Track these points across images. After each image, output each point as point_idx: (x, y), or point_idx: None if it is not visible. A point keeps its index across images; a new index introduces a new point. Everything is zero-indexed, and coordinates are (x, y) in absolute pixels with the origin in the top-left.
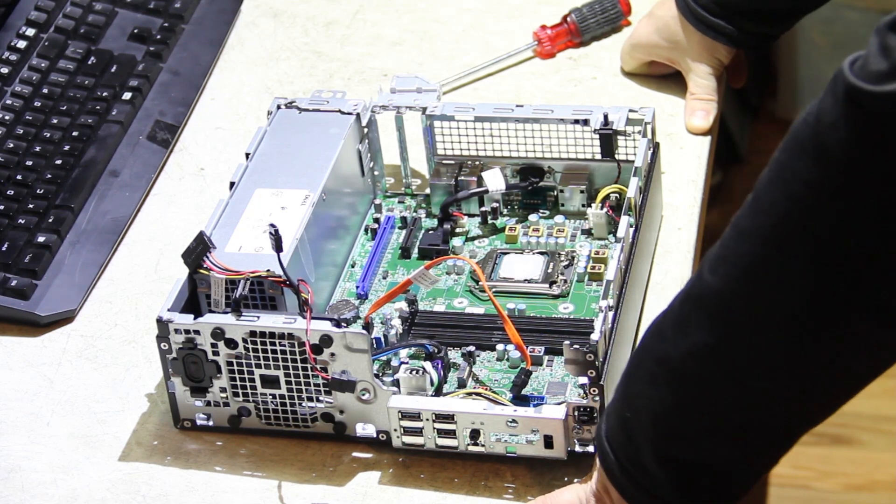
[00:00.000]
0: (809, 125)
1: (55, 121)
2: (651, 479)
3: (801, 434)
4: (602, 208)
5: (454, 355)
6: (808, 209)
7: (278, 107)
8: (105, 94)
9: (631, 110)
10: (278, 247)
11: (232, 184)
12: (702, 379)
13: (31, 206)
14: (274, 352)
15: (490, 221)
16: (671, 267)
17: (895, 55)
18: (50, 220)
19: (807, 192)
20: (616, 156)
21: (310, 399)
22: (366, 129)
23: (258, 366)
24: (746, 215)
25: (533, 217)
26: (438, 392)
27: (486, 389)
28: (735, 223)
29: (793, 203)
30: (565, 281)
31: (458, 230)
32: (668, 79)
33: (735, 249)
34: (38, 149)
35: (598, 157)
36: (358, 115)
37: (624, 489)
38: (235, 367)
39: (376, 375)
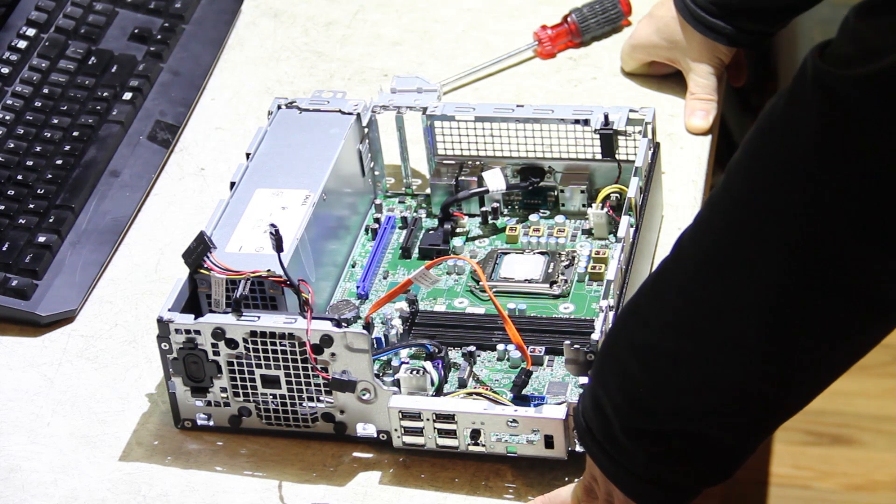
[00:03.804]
0: (780, 108)
1: (55, 121)
2: (625, 455)
3: (779, 420)
4: (602, 208)
5: (455, 355)
6: (778, 192)
7: (279, 107)
8: (105, 94)
9: (631, 110)
10: (279, 247)
11: (232, 184)
12: (673, 357)
13: (31, 206)
14: (274, 352)
15: (490, 221)
16: None
17: (862, 40)
18: (50, 220)
19: (777, 174)
20: (616, 156)
21: (310, 399)
22: (366, 129)
23: (258, 366)
24: (719, 196)
25: (533, 217)
26: (439, 392)
27: (486, 389)
28: (708, 203)
29: (764, 185)
30: (566, 281)
31: (458, 230)
32: (668, 79)
33: (708, 230)
34: (38, 149)
35: (599, 157)
36: (358, 115)
37: (602, 465)
38: (236, 367)
39: (377, 375)
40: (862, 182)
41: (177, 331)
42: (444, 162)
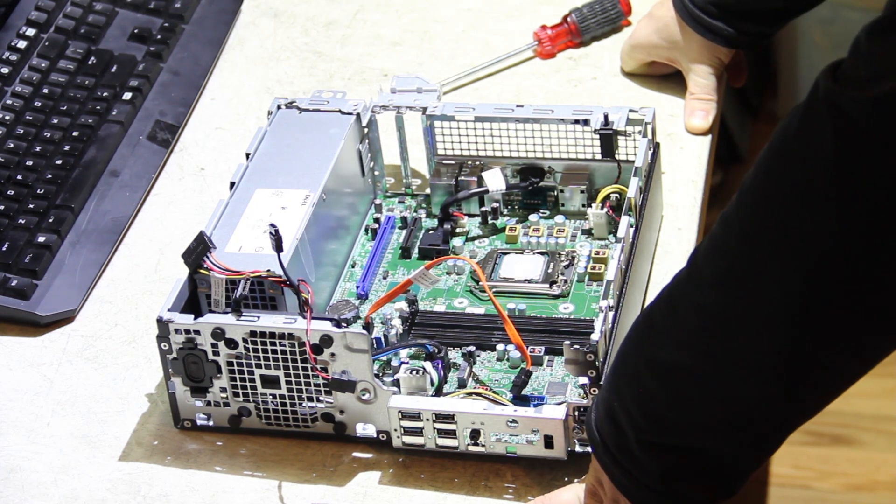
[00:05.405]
0: (793, 129)
1: (55, 121)
2: (639, 468)
3: (792, 429)
4: (602, 208)
5: (454, 355)
6: (792, 211)
7: (278, 107)
8: (105, 94)
9: (631, 110)
10: (278, 247)
11: (232, 184)
12: (689, 373)
13: (31, 206)
14: (274, 352)
15: (490, 221)
16: (671, 267)
17: (874, 60)
18: (50, 220)
19: (791, 194)
20: (616, 156)
21: (310, 399)
22: (366, 129)
23: (258, 366)
24: (732, 214)
25: (533, 217)
26: (438, 392)
27: (486, 389)
28: (721, 221)
29: (778, 205)
30: (565, 281)
31: (458, 230)
32: (668, 79)
33: (722, 247)
34: (38, 149)
35: (599, 157)
36: (358, 115)
37: (614, 477)
38: (235, 367)
39: (376, 375)
40: (876, 203)
41: (176, 331)
42: (444, 162)
